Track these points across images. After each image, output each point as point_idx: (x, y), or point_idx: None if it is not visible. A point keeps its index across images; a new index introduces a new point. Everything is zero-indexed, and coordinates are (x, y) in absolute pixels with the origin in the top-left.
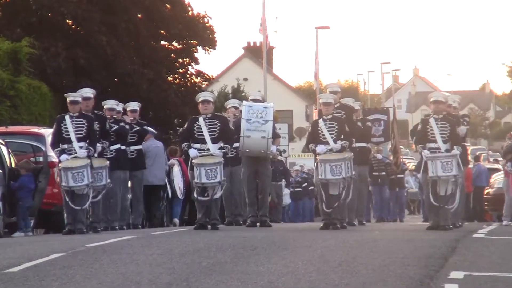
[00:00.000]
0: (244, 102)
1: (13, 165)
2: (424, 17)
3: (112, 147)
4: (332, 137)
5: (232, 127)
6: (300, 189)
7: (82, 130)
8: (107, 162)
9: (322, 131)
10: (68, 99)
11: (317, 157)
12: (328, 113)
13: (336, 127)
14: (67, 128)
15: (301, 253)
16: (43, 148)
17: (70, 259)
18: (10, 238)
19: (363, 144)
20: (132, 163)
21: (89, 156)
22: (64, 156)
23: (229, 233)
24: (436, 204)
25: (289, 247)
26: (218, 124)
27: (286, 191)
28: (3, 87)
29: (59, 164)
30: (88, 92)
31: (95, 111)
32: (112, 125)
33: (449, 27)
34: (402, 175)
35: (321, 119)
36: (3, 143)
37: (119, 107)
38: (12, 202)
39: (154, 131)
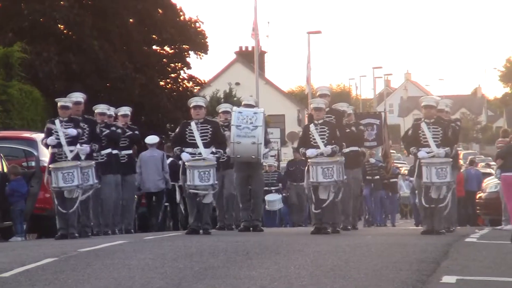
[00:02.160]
0: (234, 108)
1: (5, 170)
2: (416, 21)
3: (104, 152)
4: (323, 142)
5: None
6: None
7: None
8: (93, 162)
9: (313, 136)
10: (59, 104)
11: (309, 160)
12: (319, 118)
13: (327, 131)
14: (57, 132)
15: (294, 257)
16: (35, 153)
17: (63, 263)
18: (2, 242)
19: (356, 148)
20: (124, 167)
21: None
22: (51, 139)
23: (222, 238)
24: (426, 206)
25: (282, 252)
26: (210, 129)
27: (277, 196)
28: None
29: (50, 165)
30: (79, 96)
31: (85, 116)
32: (103, 129)
33: (441, 32)
34: (395, 179)
35: (312, 124)
36: None
37: (110, 111)
38: (5, 207)
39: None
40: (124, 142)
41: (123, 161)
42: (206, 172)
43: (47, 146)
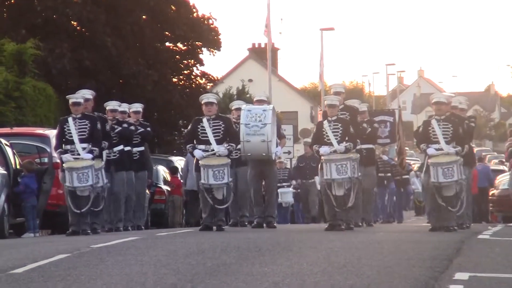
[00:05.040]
0: (243, 106)
1: (18, 166)
2: (429, 18)
3: (116, 149)
4: (336, 139)
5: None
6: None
7: (85, 131)
8: (103, 163)
9: (326, 133)
10: (70, 101)
11: (322, 158)
12: (333, 114)
13: (341, 128)
14: (70, 130)
15: (306, 254)
16: (48, 149)
17: (75, 260)
18: (15, 239)
19: (370, 146)
20: (136, 164)
21: (93, 158)
22: (67, 156)
23: (234, 234)
24: (443, 204)
25: (294, 248)
26: (223, 125)
27: (290, 189)
28: (8, 89)
29: (64, 165)
30: (87, 93)
31: (95, 112)
32: (115, 126)
33: (454, 29)
34: (407, 176)
35: (325, 121)
36: (8, 144)
37: (122, 108)
38: (17, 203)
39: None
40: (136, 139)
41: (135, 158)
42: (221, 171)
43: (61, 159)
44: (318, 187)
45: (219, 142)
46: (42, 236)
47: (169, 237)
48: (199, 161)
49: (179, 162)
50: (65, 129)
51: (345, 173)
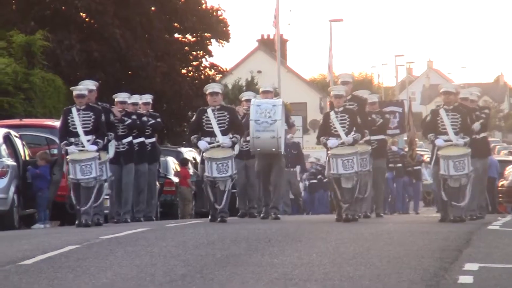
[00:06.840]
0: (253, 100)
1: (27, 158)
2: (438, 9)
3: (124, 140)
4: (343, 130)
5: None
6: (315, 180)
7: (89, 123)
8: (108, 156)
9: (333, 124)
10: (74, 93)
11: (329, 152)
12: (339, 105)
13: (348, 119)
14: (74, 121)
15: (316, 245)
16: (57, 141)
17: (85, 251)
18: (25, 230)
19: (381, 137)
20: (148, 156)
21: (98, 150)
22: (72, 148)
23: (243, 225)
24: (446, 200)
25: (304, 239)
26: (227, 116)
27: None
28: (17, 80)
29: (67, 157)
30: (90, 84)
31: (99, 103)
32: (125, 118)
33: (463, 20)
34: (419, 167)
35: (332, 111)
36: (17, 136)
37: (131, 99)
38: (27, 194)
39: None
40: (147, 131)
41: (148, 149)
42: (225, 164)
43: (66, 151)
44: (299, 177)
45: (224, 133)
46: (51, 227)
47: (178, 228)
48: (203, 154)
49: (188, 153)
50: (69, 120)
51: (351, 168)
